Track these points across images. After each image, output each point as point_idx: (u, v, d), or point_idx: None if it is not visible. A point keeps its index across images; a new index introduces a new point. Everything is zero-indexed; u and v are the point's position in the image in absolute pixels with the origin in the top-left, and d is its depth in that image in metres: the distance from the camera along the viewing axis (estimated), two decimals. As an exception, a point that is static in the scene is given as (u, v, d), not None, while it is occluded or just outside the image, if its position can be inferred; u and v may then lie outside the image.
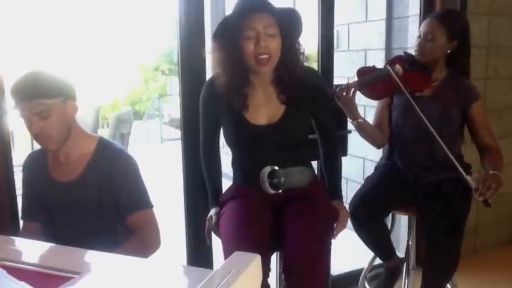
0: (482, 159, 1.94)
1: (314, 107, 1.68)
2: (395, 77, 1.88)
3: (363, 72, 1.96)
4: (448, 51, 1.95)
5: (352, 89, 1.82)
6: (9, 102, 1.48)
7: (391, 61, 1.99)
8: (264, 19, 1.50)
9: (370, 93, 1.95)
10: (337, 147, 1.81)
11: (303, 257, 1.42)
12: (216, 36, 1.55)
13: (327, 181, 1.79)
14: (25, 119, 1.45)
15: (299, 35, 1.60)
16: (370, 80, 1.92)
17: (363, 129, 1.97)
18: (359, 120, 1.91)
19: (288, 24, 1.55)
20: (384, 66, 1.97)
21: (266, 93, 1.63)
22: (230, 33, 1.52)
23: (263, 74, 1.58)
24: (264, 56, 1.51)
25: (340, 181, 1.80)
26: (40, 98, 1.42)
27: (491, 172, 1.73)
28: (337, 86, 1.87)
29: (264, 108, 1.61)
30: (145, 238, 1.54)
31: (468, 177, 1.74)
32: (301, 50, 1.61)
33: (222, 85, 1.59)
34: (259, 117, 1.61)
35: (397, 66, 1.93)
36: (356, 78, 1.93)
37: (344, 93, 1.82)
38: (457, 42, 1.93)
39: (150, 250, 1.53)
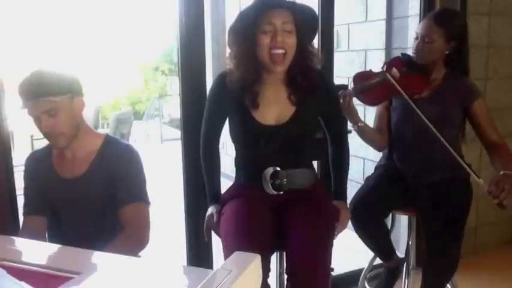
0: (491, 158, 1.91)
1: (324, 108, 1.68)
2: (394, 82, 1.86)
3: (360, 78, 1.95)
4: (446, 52, 1.94)
5: (348, 97, 1.81)
6: (17, 101, 1.48)
7: (388, 65, 1.97)
8: (283, 15, 1.50)
9: (368, 100, 1.93)
10: (346, 147, 1.79)
11: (306, 258, 1.42)
12: (232, 30, 1.55)
13: (333, 180, 1.77)
14: (34, 117, 1.46)
15: (314, 35, 1.61)
16: (367, 87, 1.90)
17: (364, 133, 1.96)
18: (359, 124, 1.90)
19: (305, 22, 1.55)
20: (381, 70, 1.96)
21: (277, 92, 1.62)
22: (247, 26, 1.52)
23: (276, 72, 1.58)
24: (280, 51, 1.50)
25: (346, 181, 1.78)
26: (47, 95, 1.42)
27: (502, 172, 1.70)
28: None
29: (273, 108, 1.61)
30: (134, 232, 1.52)
31: (480, 180, 1.72)
32: (315, 53, 1.62)
33: (234, 80, 1.59)
34: (268, 117, 1.61)
35: (394, 70, 1.91)
36: (352, 85, 1.92)
37: (341, 100, 1.81)
38: (455, 43, 1.92)
39: (138, 245, 1.52)
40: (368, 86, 1.90)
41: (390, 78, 1.87)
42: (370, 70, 2.03)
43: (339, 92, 1.79)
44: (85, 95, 1.55)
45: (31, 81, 1.44)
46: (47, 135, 1.49)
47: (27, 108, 1.45)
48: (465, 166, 1.77)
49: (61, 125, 1.47)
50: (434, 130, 1.79)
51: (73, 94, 1.49)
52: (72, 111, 1.49)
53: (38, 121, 1.46)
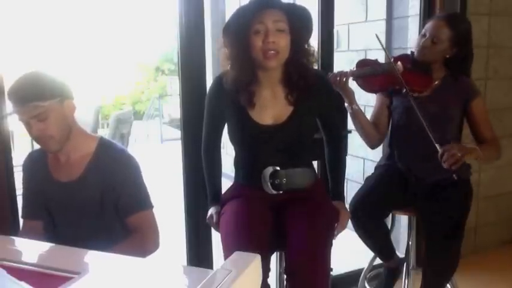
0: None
1: (322, 109, 1.68)
2: (397, 73, 1.88)
3: (364, 64, 1.97)
4: (447, 56, 1.95)
5: (345, 78, 1.87)
6: (9, 104, 1.48)
7: (395, 58, 1.99)
8: (275, 14, 1.50)
9: (367, 85, 1.97)
10: (343, 148, 1.80)
11: (306, 258, 1.42)
12: (226, 31, 1.55)
13: (330, 181, 1.78)
14: (24, 122, 1.45)
15: (309, 35, 1.60)
16: (369, 72, 1.93)
17: (358, 119, 1.98)
18: (354, 106, 1.94)
19: (299, 22, 1.55)
20: (387, 61, 1.97)
21: (274, 92, 1.62)
22: (240, 27, 1.52)
23: (271, 71, 1.57)
24: (272, 52, 1.50)
25: (343, 182, 1.79)
26: (36, 100, 1.41)
27: (452, 143, 1.76)
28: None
29: (271, 108, 1.61)
30: (144, 238, 1.53)
31: (440, 149, 1.74)
32: (312, 52, 1.61)
33: (230, 81, 1.58)
34: (265, 117, 1.60)
35: (399, 63, 1.93)
36: (354, 68, 1.94)
37: (338, 79, 1.88)
38: (458, 48, 1.94)
39: (148, 251, 1.52)
40: (370, 72, 1.93)
41: (395, 68, 1.89)
42: (376, 59, 2.04)
43: (338, 72, 1.82)
44: (75, 97, 1.53)
45: (19, 86, 1.43)
46: (37, 139, 1.48)
47: (17, 114, 1.44)
48: (438, 148, 1.75)
49: (51, 129, 1.45)
50: (425, 124, 1.78)
51: (62, 97, 1.47)
52: (62, 114, 1.48)
53: (28, 126, 1.45)
